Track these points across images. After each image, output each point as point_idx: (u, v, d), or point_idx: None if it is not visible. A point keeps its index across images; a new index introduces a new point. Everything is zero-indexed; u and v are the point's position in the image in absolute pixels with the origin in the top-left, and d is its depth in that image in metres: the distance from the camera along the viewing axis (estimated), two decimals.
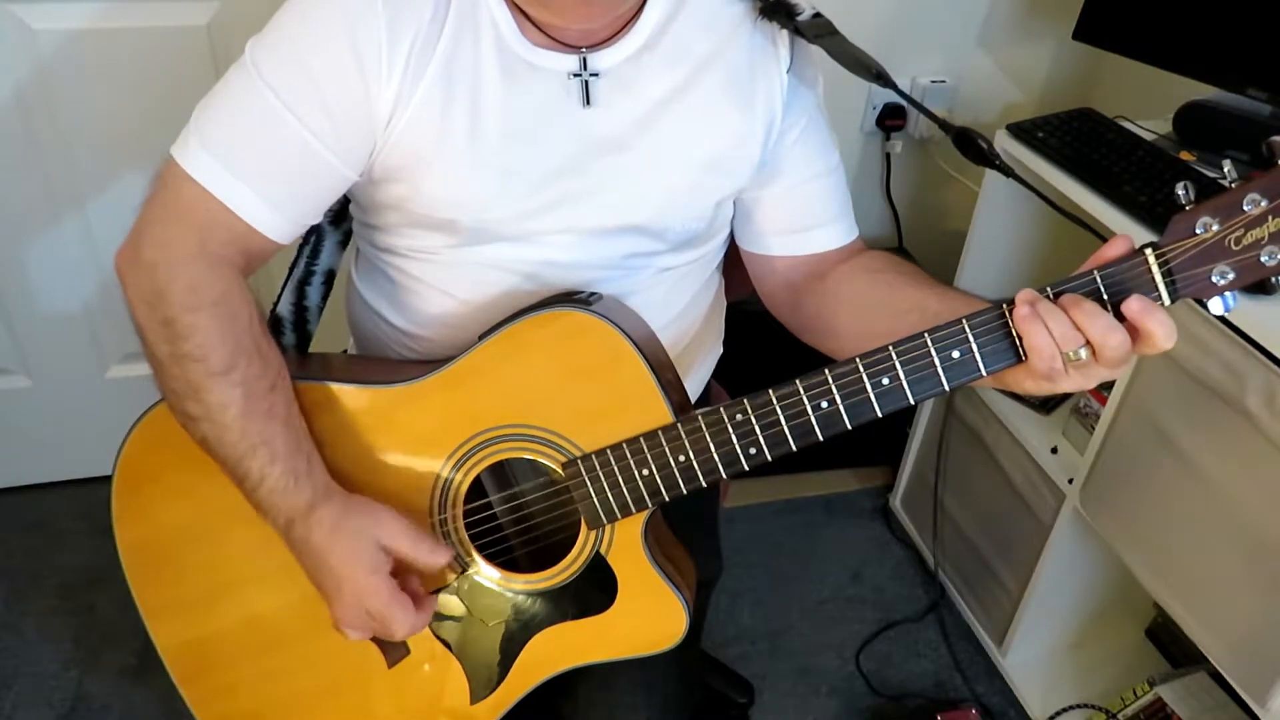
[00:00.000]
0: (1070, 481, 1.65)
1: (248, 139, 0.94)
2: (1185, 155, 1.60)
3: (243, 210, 0.95)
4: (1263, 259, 0.74)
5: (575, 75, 0.98)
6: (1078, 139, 1.63)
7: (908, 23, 2.01)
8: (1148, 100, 1.80)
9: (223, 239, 0.96)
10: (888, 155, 2.17)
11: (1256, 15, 1.50)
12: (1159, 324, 0.77)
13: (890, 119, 2.10)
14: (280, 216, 0.97)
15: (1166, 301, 0.77)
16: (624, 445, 0.93)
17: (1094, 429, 1.58)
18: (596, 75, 0.98)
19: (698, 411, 0.91)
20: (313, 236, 1.19)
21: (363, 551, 0.97)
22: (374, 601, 0.97)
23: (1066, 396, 1.84)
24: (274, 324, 1.19)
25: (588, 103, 0.98)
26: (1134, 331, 0.78)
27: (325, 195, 1.00)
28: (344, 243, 1.23)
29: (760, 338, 1.32)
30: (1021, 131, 1.67)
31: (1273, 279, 0.75)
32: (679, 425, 0.91)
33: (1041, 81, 2.17)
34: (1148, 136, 1.65)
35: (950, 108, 2.12)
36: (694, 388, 1.22)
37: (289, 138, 0.93)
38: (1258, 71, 1.51)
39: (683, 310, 1.14)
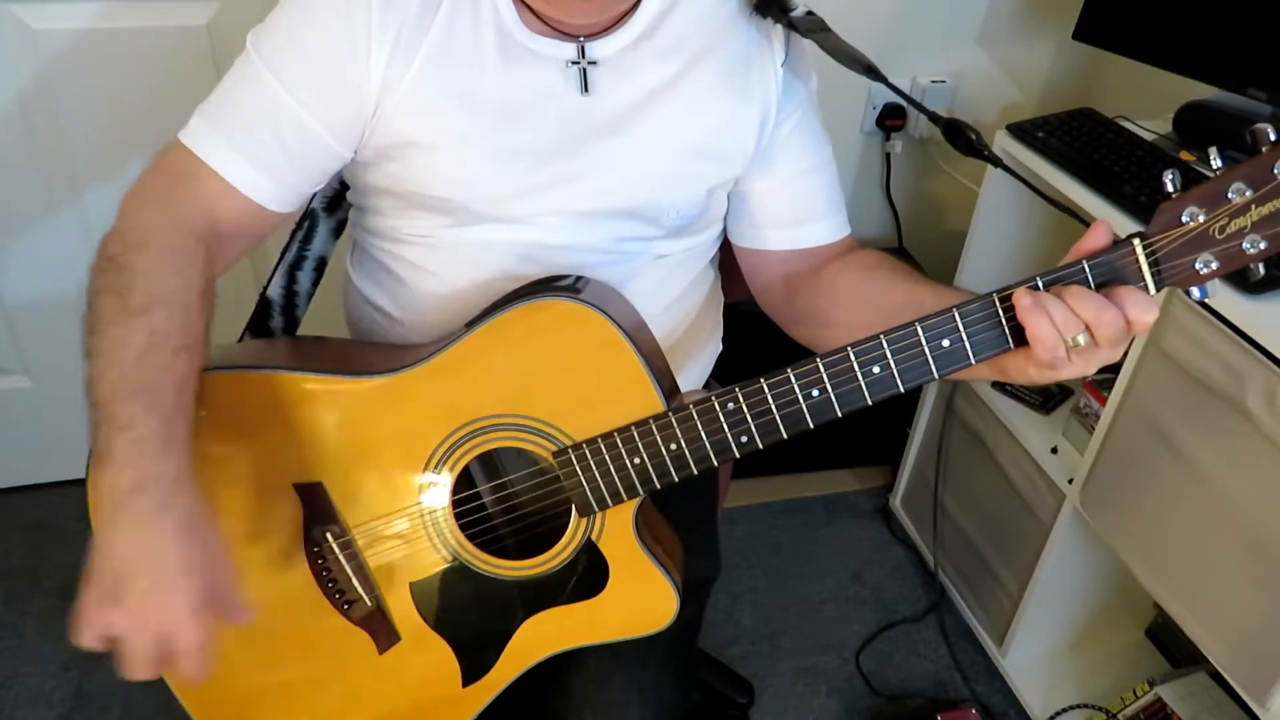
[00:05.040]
0: (1070, 481, 1.64)
1: (235, 102, 0.98)
2: (1185, 155, 1.60)
3: (213, 159, 0.97)
4: (1244, 247, 0.75)
5: (574, 63, 1.00)
6: (1078, 139, 1.63)
7: (908, 23, 2.02)
8: (1148, 100, 1.80)
9: (194, 194, 0.98)
10: (888, 155, 2.17)
11: (1256, 15, 1.50)
12: (1133, 305, 0.78)
13: (890, 119, 2.10)
14: (258, 172, 0.99)
15: (1152, 290, 0.79)
16: (615, 434, 0.94)
17: (1094, 429, 1.57)
18: (594, 63, 1.00)
19: (689, 400, 0.91)
20: (305, 222, 1.21)
21: (187, 569, 0.87)
22: (177, 605, 0.86)
23: (1067, 396, 1.84)
24: (263, 307, 1.20)
25: (585, 90, 1.00)
26: None
27: (313, 165, 1.02)
28: (337, 231, 1.25)
29: (761, 338, 1.32)
30: (1021, 131, 1.67)
31: (1251, 266, 0.75)
32: (670, 413, 0.91)
33: (1041, 81, 2.17)
34: (1148, 136, 1.65)
35: (950, 108, 2.12)
36: (692, 382, 1.23)
37: (276, 106, 0.97)
38: (1258, 71, 1.51)
39: (677, 298, 1.15)
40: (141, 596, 0.85)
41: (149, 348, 0.89)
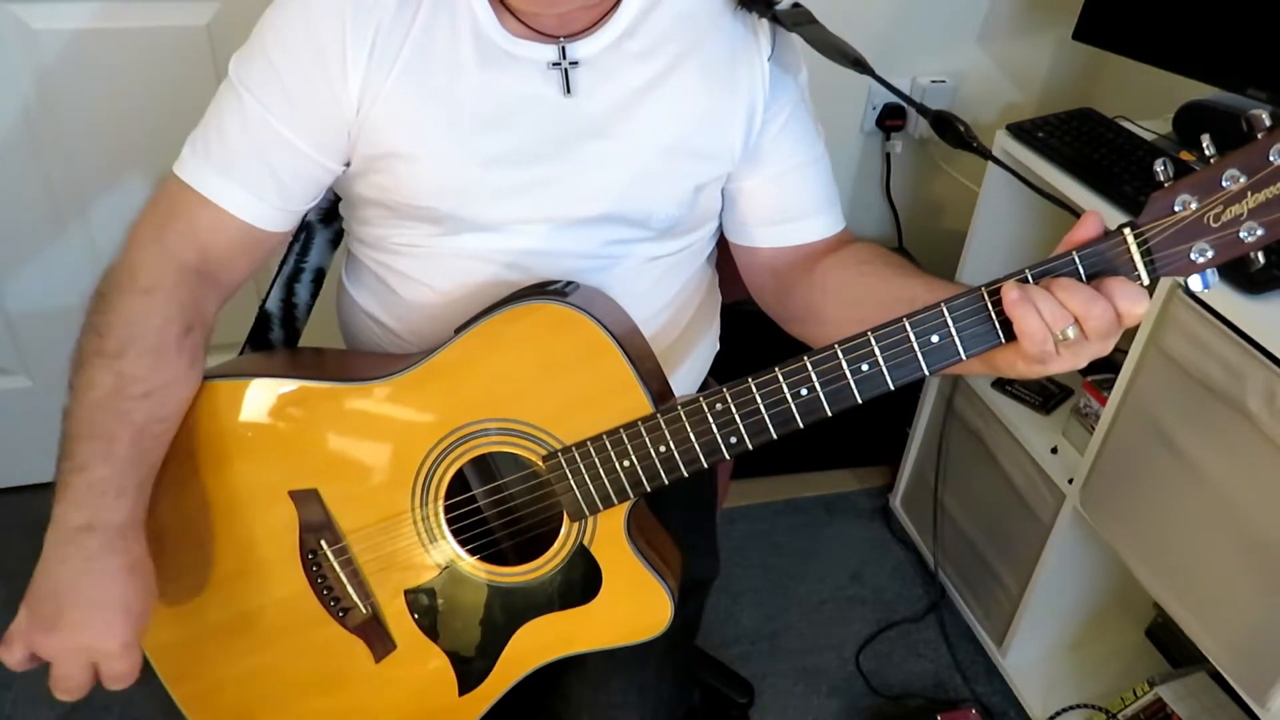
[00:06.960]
0: (1070, 481, 1.64)
1: (219, 128, 0.99)
2: (1185, 155, 1.60)
3: (203, 186, 0.98)
4: (1241, 235, 0.73)
5: (555, 64, 0.99)
6: (1078, 139, 1.63)
7: (908, 23, 2.01)
8: (1148, 100, 1.80)
9: (187, 225, 0.99)
10: (888, 155, 2.17)
11: (1256, 15, 1.50)
12: (1123, 296, 0.77)
13: (890, 119, 2.10)
14: (248, 194, 0.99)
15: (1145, 281, 0.77)
16: (604, 437, 0.93)
17: (1094, 429, 1.57)
18: (576, 64, 0.99)
19: (677, 401, 0.91)
20: (302, 234, 1.20)
21: (126, 608, 0.94)
22: (112, 638, 0.93)
23: (1067, 396, 1.83)
24: (262, 320, 1.20)
25: (568, 91, 0.99)
26: None
27: (303, 181, 1.02)
28: (334, 242, 1.24)
29: (760, 337, 1.31)
30: (1021, 131, 1.67)
31: (1251, 255, 0.74)
32: (659, 415, 0.90)
33: (1041, 81, 2.17)
34: (1148, 136, 1.65)
35: (950, 108, 2.10)
36: (689, 382, 1.23)
37: (260, 127, 0.97)
38: (1258, 71, 1.51)
39: (671, 300, 1.14)
40: (75, 627, 0.92)
41: (114, 391, 0.93)
